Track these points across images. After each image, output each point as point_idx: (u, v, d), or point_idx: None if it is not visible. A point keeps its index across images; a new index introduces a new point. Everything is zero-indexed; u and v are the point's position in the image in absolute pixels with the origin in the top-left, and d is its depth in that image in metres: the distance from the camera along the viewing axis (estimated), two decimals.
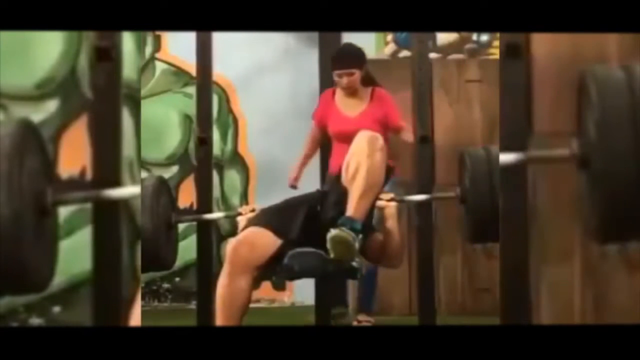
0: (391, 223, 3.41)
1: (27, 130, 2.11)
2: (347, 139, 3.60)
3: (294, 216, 3.20)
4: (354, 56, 4.02)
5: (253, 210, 3.46)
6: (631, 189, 1.78)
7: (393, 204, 3.46)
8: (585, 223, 1.99)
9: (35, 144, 2.12)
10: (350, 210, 3.03)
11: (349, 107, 4.00)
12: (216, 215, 3.96)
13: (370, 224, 3.30)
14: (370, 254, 3.39)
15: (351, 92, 3.97)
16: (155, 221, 3.63)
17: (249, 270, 3.08)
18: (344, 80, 3.92)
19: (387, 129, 4.01)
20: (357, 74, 3.94)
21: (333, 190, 3.24)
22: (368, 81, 4.05)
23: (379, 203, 3.41)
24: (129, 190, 2.17)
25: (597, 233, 1.93)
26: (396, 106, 4.12)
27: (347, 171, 3.10)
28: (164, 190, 3.83)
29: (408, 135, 3.95)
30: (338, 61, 3.96)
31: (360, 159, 3.06)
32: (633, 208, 1.79)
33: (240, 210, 3.57)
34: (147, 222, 3.56)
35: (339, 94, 4.04)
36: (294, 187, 4.24)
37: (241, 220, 3.45)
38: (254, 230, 3.17)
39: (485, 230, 3.44)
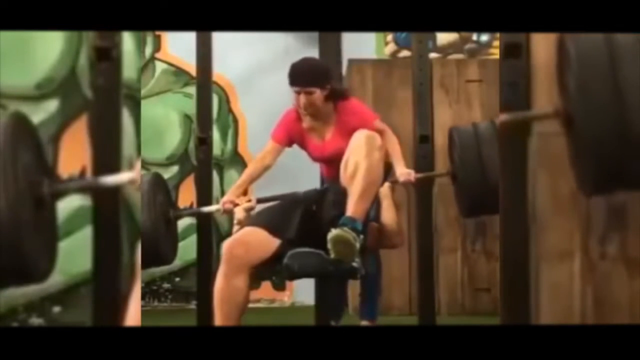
0: (387, 203, 3.42)
1: (19, 123, 2.12)
2: (325, 160, 3.47)
3: (290, 216, 3.20)
4: (315, 73, 3.37)
5: (249, 201, 3.45)
6: (613, 141, 1.79)
7: (387, 184, 3.45)
8: (575, 178, 1.99)
9: (28, 136, 2.13)
10: (351, 210, 3.03)
11: (317, 133, 3.49)
12: (214, 207, 3.89)
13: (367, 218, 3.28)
14: (370, 240, 3.37)
15: (312, 112, 3.38)
16: (153, 216, 3.63)
17: (245, 269, 3.08)
18: (302, 98, 3.31)
19: None
20: (318, 94, 3.32)
21: (331, 189, 3.24)
22: (334, 96, 3.43)
23: None
24: (125, 176, 2.15)
25: (584, 185, 1.94)
26: (367, 112, 3.51)
27: (345, 170, 3.10)
28: (161, 186, 3.84)
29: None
30: (296, 76, 3.34)
31: (358, 158, 3.06)
32: (616, 159, 1.80)
33: (236, 200, 3.48)
34: (145, 218, 3.56)
35: (304, 117, 3.47)
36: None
37: (237, 212, 3.43)
38: (249, 230, 3.18)
39: (477, 203, 3.50)
